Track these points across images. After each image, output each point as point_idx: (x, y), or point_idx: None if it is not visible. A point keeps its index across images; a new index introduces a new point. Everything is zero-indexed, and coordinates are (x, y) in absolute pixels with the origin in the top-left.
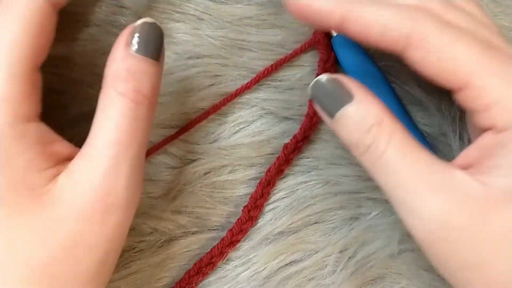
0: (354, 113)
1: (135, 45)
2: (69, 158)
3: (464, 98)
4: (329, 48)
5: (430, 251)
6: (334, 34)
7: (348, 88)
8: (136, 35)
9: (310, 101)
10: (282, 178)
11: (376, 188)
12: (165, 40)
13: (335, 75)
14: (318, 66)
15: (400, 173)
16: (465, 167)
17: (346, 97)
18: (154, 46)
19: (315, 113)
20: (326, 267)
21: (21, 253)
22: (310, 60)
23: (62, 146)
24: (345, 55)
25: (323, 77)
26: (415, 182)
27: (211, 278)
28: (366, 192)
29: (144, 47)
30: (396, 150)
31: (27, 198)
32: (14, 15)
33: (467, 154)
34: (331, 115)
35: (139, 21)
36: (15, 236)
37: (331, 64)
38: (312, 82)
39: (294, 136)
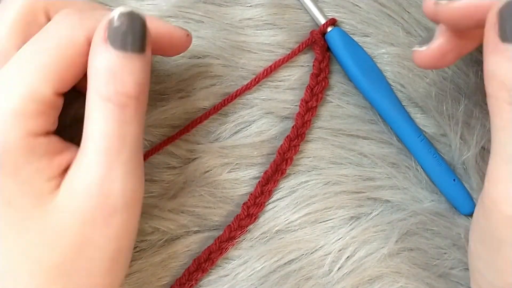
0: None
1: (112, 40)
2: None
3: None
4: (325, 48)
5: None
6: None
7: None
8: (113, 28)
9: (302, 100)
10: (284, 177)
11: (377, 188)
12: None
13: None
14: (313, 65)
15: None
16: None
17: None
18: (134, 38)
19: (306, 111)
20: (324, 266)
21: (33, 255)
22: (309, 60)
23: (71, 154)
24: (340, 51)
25: None
26: None
27: (212, 277)
28: (366, 191)
29: (123, 41)
30: None
31: (35, 204)
32: (54, 42)
33: None
34: None
35: (114, 12)
36: (25, 239)
37: (326, 64)
38: None
39: (287, 136)
